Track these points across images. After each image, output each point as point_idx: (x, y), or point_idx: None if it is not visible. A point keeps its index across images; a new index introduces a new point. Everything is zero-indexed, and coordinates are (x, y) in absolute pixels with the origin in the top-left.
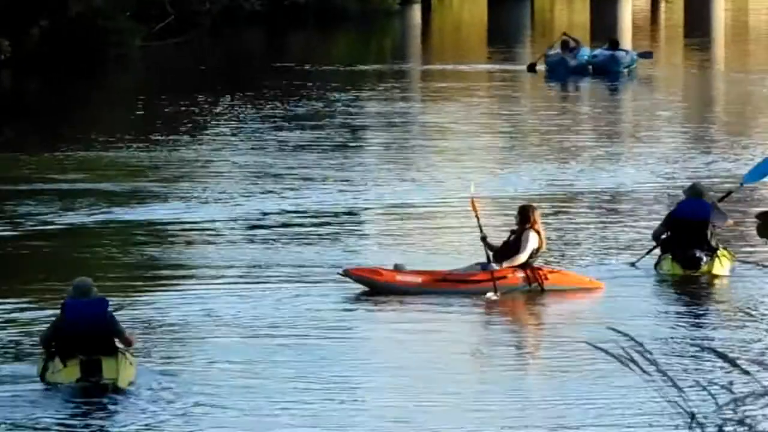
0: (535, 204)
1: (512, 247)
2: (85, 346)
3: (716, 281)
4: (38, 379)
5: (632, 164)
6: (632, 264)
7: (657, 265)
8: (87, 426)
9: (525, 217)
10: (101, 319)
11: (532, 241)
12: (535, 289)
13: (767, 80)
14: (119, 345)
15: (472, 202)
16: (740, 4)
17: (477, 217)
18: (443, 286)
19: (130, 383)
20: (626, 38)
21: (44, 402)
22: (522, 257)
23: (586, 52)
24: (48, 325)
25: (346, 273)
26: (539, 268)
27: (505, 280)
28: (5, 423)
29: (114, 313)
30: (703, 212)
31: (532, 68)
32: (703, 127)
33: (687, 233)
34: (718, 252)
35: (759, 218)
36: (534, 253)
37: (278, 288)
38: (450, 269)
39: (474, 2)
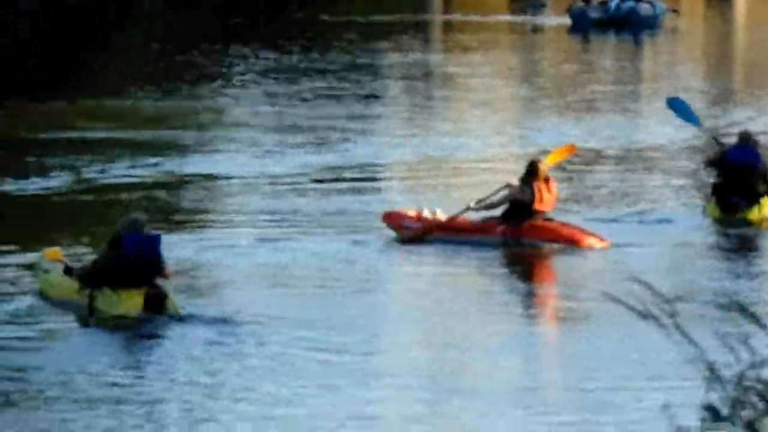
0: (539, 159)
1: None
2: (141, 278)
3: (752, 228)
4: (87, 313)
5: (655, 117)
6: (704, 208)
7: (704, 208)
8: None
9: (526, 170)
10: (158, 253)
11: (508, 193)
12: (510, 242)
13: None
14: (164, 279)
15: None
16: None
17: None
18: (437, 232)
19: (181, 317)
20: None
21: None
22: (481, 206)
23: (606, 4)
24: (91, 261)
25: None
26: (523, 222)
27: (472, 230)
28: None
29: None
30: (749, 158)
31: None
32: (725, 80)
33: (732, 178)
34: (761, 199)
35: None
36: (516, 206)
37: (307, 236)
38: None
39: None
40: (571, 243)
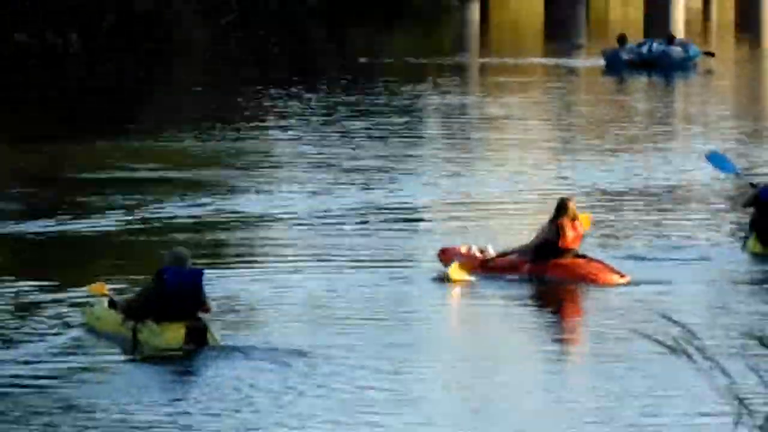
0: (569, 197)
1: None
2: (183, 311)
3: None
4: (131, 345)
5: (688, 157)
6: (744, 243)
7: (743, 244)
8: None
9: (555, 208)
10: (199, 287)
11: (540, 233)
12: (535, 280)
13: None
14: (204, 312)
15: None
16: None
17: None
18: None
19: (219, 347)
20: (679, 33)
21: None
22: (523, 247)
23: (639, 46)
24: (135, 294)
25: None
26: (551, 261)
27: (503, 269)
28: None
29: None
30: None
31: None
32: (757, 121)
33: None
34: None
35: None
36: (544, 245)
37: (350, 272)
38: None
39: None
40: (590, 280)
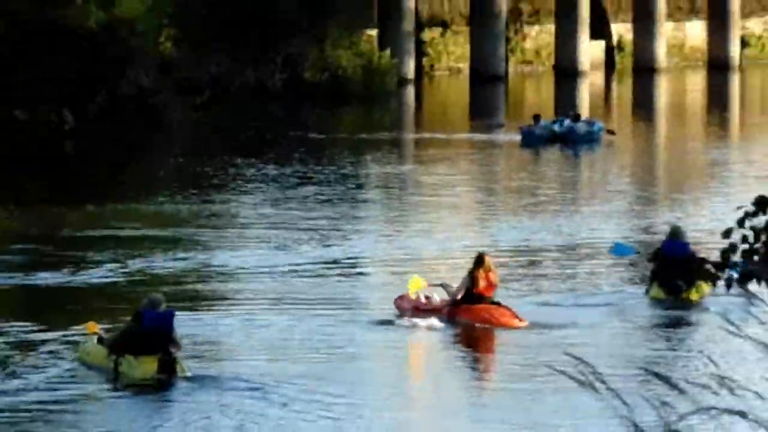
0: (485, 252)
1: None
2: (156, 347)
3: (692, 308)
4: (114, 375)
5: (592, 217)
6: (647, 290)
7: (647, 290)
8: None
9: (473, 261)
10: (171, 326)
11: (460, 282)
12: (451, 321)
13: (703, 148)
14: (175, 348)
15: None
16: (676, 84)
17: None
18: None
19: (187, 377)
20: (584, 112)
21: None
22: (448, 295)
23: (550, 124)
24: (118, 332)
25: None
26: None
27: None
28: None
29: None
30: (680, 249)
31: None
32: (650, 188)
33: (669, 266)
34: (697, 282)
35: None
36: (462, 293)
37: (306, 315)
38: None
39: (458, 84)
40: (492, 323)
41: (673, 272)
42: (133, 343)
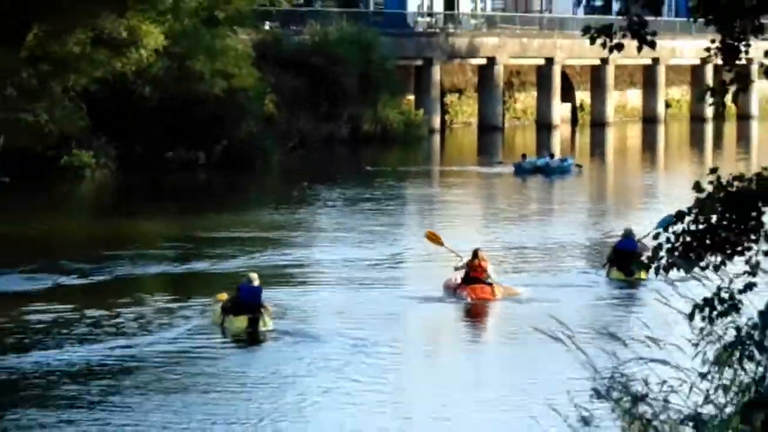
0: (478, 247)
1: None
2: (248, 310)
3: (640, 285)
4: (218, 326)
5: (563, 224)
6: (604, 266)
7: (608, 273)
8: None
9: (471, 254)
10: (259, 296)
11: (460, 266)
12: (456, 296)
13: (641, 176)
14: (265, 310)
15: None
16: (621, 133)
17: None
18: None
19: (271, 331)
20: (558, 153)
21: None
22: (458, 276)
23: (534, 160)
24: (225, 301)
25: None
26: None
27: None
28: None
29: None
30: (630, 245)
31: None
32: (605, 204)
33: (622, 256)
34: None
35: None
36: (462, 275)
37: (363, 294)
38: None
39: (469, 133)
40: (478, 298)
41: (625, 261)
42: (233, 307)
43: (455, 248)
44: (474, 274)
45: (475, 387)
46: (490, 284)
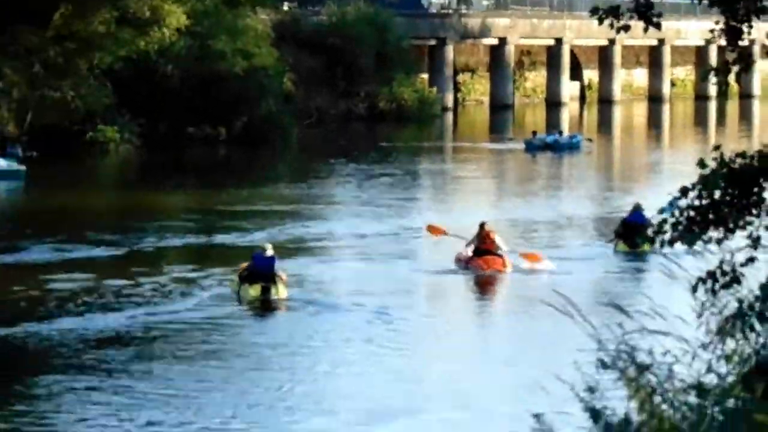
0: (486, 221)
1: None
2: (262, 278)
3: (646, 258)
4: (235, 295)
5: (573, 199)
6: (610, 241)
7: (615, 245)
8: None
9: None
10: (272, 266)
11: (470, 240)
12: (467, 267)
13: (646, 153)
14: (279, 279)
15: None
16: (627, 111)
17: (444, 233)
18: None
19: (284, 299)
20: (566, 130)
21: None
22: (469, 251)
23: (544, 137)
24: (241, 270)
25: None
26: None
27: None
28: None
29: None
30: (639, 218)
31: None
32: (613, 179)
33: (631, 229)
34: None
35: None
36: (473, 248)
37: (377, 264)
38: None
39: (481, 111)
40: (482, 269)
41: (632, 234)
42: (248, 276)
43: (460, 232)
44: (484, 246)
45: (483, 355)
46: (501, 255)
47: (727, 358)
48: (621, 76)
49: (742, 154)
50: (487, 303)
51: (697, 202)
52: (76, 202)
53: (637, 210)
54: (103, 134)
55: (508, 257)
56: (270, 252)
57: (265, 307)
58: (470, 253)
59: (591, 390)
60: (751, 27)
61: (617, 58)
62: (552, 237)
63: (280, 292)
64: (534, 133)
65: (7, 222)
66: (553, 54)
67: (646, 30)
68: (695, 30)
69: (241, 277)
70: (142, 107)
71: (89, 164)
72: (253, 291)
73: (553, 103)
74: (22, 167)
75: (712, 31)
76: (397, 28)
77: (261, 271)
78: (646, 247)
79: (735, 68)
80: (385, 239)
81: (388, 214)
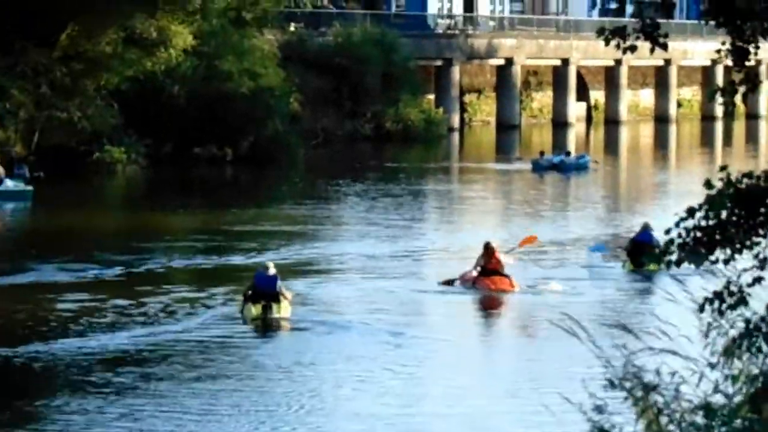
0: (489, 241)
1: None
2: (264, 297)
3: (653, 277)
4: (239, 314)
5: (581, 220)
6: (623, 265)
7: (623, 264)
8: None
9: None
10: (274, 285)
11: (476, 261)
12: (472, 287)
13: (653, 173)
14: (283, 298)
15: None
16: (634, 132)
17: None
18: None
19: (286, 318)
20: (573, 150)
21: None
22: (474, 272)
23: (551, 157)
24: (246, 288)
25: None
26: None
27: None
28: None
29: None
30: (647, 238)
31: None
32: (619, 200)
33: (639, 248)
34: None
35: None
36: (479, 268)
37: (383, 283)
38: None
39: (487, 131)
40: (489, 289)
41: (641, 253)
42: (252, 295)
43: (466, 252)
44: (490, 266)
45: (490, 377)
46: (507, 276)
47: (734, 379)
48: (627, 97)
49: (748, 174)
50: (495, 323)
51: (703, 223)
52: (83, 222)
53: (645, 230)
54: (110, 155)
55: (514, 278)
56: (272, 271)
57: (266, 325)
58: (475, 274)
59: (599, 410)
60: (757, 48)
61: (623, 79)
62: (558, 257)
63: (282, 310)
64: (542, 153)
65: (15, 242)
66: (559, 74)
67: (652, 51)
68: (702, 50)
69: (245, 296)
70: (148, 127)
71: (96, 184)
72: (255, 310)
73: (560, 124)
74: (30, 188)
75: (718, 51)
76: (404, 49)
77: (263, 290)
78: (652, 267)
79: (741, 89)
80: (392, 259)
81: (394, 234)
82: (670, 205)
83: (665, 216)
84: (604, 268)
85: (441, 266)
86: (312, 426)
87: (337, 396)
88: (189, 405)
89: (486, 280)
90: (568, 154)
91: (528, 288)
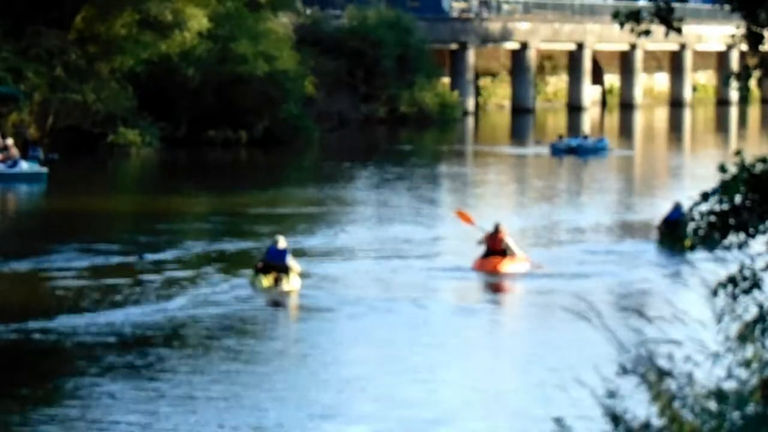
0: (499, 222)
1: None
2: (275, 269)
3: (686, 253)
4: (251, 285)
5: (599, 201)
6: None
7: (658, 242)
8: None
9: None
10: (284, 258)
11: (481, 238)
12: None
13: (668, 157)
14: (292, 271)
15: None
16: (648, 116)
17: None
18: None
19: (295, 289)
20: (588, 133)
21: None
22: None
23: (569, 140)
24: (257, 261)
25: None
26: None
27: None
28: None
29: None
30: (679, 215)
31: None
32: (635, 183)
33: (673, 225)
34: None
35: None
36: (483, 249)
37: (394, 264)
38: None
39: (502, 115)
40: (490, 271)
41: (674, 230)
42: (262, 268)
43: (483, 227)
44: (493, 247)
45: (504, 360)
46: (505, 255)
47: (747, 364)
48: (642, 81)
49: (763, 159)
50: (508, 306)
51: (717, 207)
52: (97, 204)
53: (677, 208)
54: (125, 137)
55: (514, 256)
56: (282, 244)
57: (276, 296)
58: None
59: (611, 394)
60: None
61: (638, 63)
62: (577, 240)
63: (291, 282)
64: (560, 136)
65: (29, 224)
66: (574, 58)
67: (667, 34)
68: (716, 35)
69: (257, 268)
70: (163, 110)
71: (110, 167)
72: (266, 281)
73: (575, 108)
74: (44, 170)
75: (733, 36)
76: (419, 32)
77: (273, 263)
78: (688, 242)
79: (756, 73)
80: (406, 241)
81: (408, 217)
82: (684, 187)
83: (681, 197)
84: (625, 248)
85: (456, 247)
86: (329, 405)
87: (356, 377)
88: (206, 386)
89: (479, 261)
90: (586, 137)
91: (521, 270)
